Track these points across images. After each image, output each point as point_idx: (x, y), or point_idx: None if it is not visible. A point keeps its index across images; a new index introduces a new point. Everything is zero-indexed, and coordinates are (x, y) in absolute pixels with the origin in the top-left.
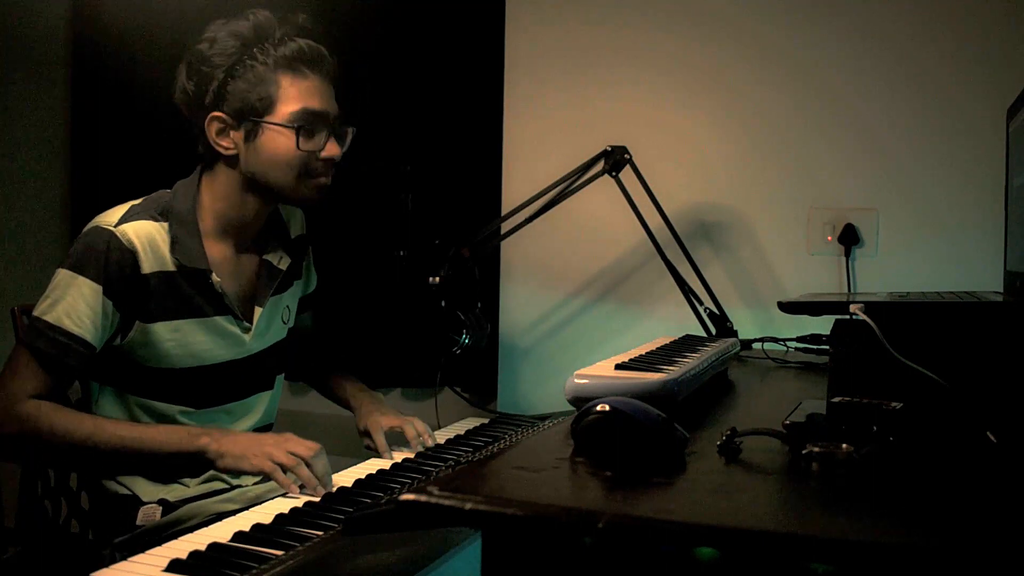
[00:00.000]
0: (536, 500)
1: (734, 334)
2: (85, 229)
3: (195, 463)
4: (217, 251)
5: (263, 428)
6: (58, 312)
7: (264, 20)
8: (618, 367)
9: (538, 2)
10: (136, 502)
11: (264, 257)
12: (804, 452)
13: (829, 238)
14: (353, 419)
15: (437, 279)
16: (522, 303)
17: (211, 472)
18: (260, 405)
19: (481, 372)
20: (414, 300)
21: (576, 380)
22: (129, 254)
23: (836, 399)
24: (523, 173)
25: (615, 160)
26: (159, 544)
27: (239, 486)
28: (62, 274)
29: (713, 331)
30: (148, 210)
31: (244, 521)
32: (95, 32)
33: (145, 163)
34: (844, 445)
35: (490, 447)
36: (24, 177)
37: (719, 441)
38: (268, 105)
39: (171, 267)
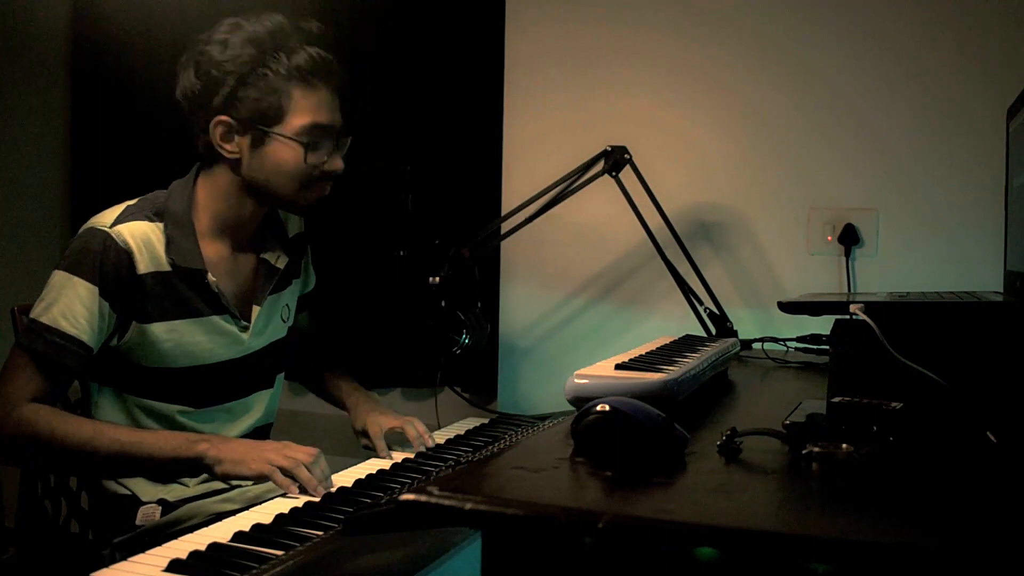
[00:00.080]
0: (536, 500)
1: (734, 334)
2: (80, 230)
3: (193, 469)
4: (213, 250)
5: (263, 427)
6: (54, 313)
7: (279, 27)
8: (618, 367)
9: (538, 2)
10: (136, 502)
11: (262, 256)
12: (804, 452)
13: (829, 238)
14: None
15: (437, 279)
16: (522, 303)
17: None
18: (260, 404)
19: (481, 372)
20: (414, 300)
21: (576, 380)
22: (124, 255)
23: (836, 399)
24: (523, 173)
25: (615, 160)
26: (159, 544)
27: (238, 486)
28: (58, 275)
29: (713, 331)
30: (143, 210)
31: (244, 521)
32: (95, 32)
33: (145, 163)
34: (844, 445)
35: (490, 447)
36: (24, 177)
37: (719, 441)
38: (278, 115)
39: (167, 267)
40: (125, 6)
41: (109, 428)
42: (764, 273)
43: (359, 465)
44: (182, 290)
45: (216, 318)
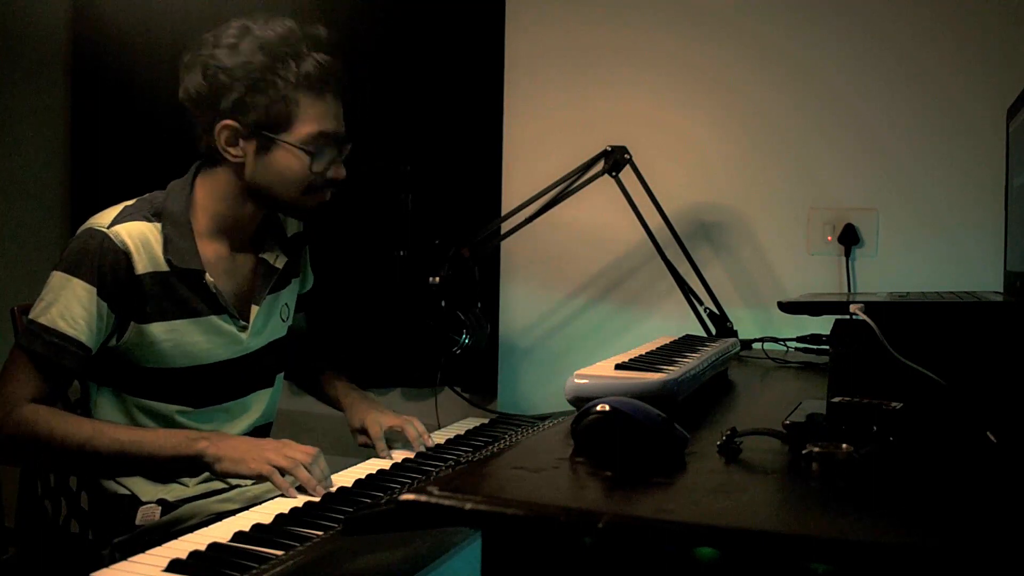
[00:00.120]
0: (536, 500)
1: (734, 334)
2: (78, 231)
3: (193, 467)
4: (211, 250)
5: (263, 427)
6: (53, 314)
7: (290, 33)
8: (618, 367)
9: (538, 2)
10: (135, 502)
11: (260, 256)
12: (804, 452)
13: (829, 238)
14: None
15: (437, 279)
16: (522, 303)
17: None
18: (259, 404)
19: (481, 372)
20: (414, 300)
21: (576, 380)
22: (123, 255)
23: (836, 399)
24: (523, 173)
25: (615, 160)
26: (159, 544)
27: (238, 486)
28: (56, 276)
29: (713, 331)
30: (141, 211)
31: (244, 521)
32: (95, 32)
33: (145, 163)
34: (844, 445)
35: (490, 447)
36: (24, 177)
37: (719, 441)
38: (285, 123)
39: (165, 267)
40: (125, 6)
41: (108, 427)
42: (764, 273)
43: (359, 465)
44: (180, 290)
45: (215, 318)
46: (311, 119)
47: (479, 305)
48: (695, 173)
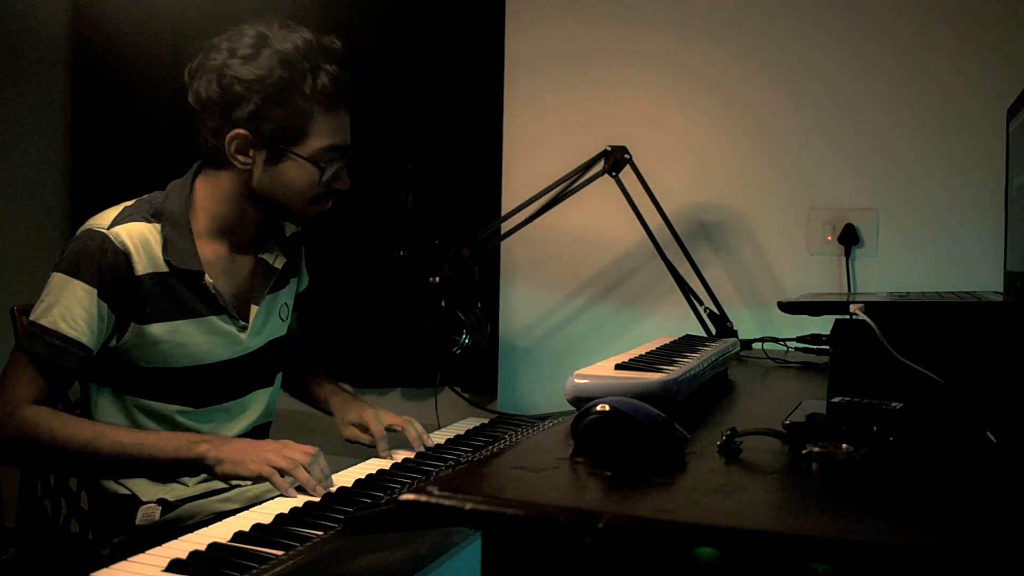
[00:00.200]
0: (536, 500)
1: (734, 334)
2: (78, 232)
3: (194, 470)
4: (211, 251)
5: (263, 426)
6: (53, 316)
7: (308, 47)
8: (618, 367)
9: (538, 2)
10: (135, 502)
11: (260, 256)
12: (804, 452)
13: (829, 238)
14: None
15: (437, 279)
16: (522, 303)
17: None
18: (258, 403)
19: (481, 372)
20: (414, 300)
21: (576, 380)
22: (122, 256)
23: (836, 399)
24: (523, 173)
25: (615, 160)
26: (159, 544)
27: (238, 485)
28: (56, 278)
29: (713, 331)
30: (141, 211)
31: (244, 521)
32: (95, 32)
33: (145, 163)
34: (844, 445)
35: (490, 447)
36: (24, 177)
37: (719, 441)
38: (298, 136)
39: (164, 268)
40: (125, 6)
41: (110, 430)
42: (764, 273)
43: (359, 465)
44: (180, 291)
45: (214, 318)
46: (323, 133)
47: (479, 305)
48: (695, 173)
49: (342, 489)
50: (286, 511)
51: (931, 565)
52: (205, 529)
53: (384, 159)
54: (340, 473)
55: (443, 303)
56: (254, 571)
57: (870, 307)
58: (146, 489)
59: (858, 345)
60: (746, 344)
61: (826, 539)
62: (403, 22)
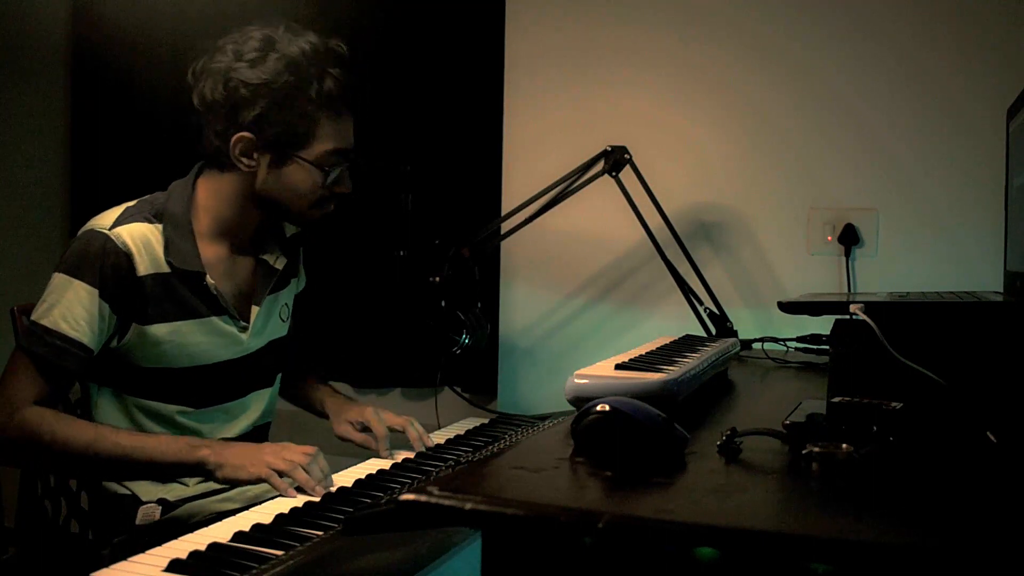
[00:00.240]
0: (536, 500)
1: (734, 334)
2: (80, 232)
3: (194, 473)
4: (212, 252)
5: (263, 426)
6: (55, 316)
7: (314, 51)
8: (618, 367)
9: (538, 2)
10: (135, 501)
11: (260, 256)
12: (804, 452)
13: (829, 238)
14: None
15: (437, 279)
16: (522, 303)
17: None
18: (259, 403)
19: (481, 372)
20: (414, 300)
21: (576, 380)
22: (124, 257)
23: (836, 399)
24: (523, 173)
25: (615, 160)
26: (159, 544)
27: (238, 486)
28: (58, 278)
29: (713, 331)
30: (142, 212)
31: (244, 521)
32: (95, 32)
33: (145, 163)
34: (844, 445)
35: (490, 447)
36: (24, 177)
37: (719, 441)
38: (304, 141)
39: (166, 269)
40: (125, 6)
41: (111, 432)
42: (764, 273)
43: (359, 465)
44: (181, 291)
45: (215, 319)
46: (328, 137)
47: (479, 305)
48: (695, 173)
49: (342, 489)
50: (286, 511)
51: (931, 565)
52: (205, 529)
53: (384, 159)
54: (340, 473)
55: (443, 303)
56: (254, 571)
57: (870, 307)
58: (146, 489)
59: (858, 345)
60: (746, 344)
61: (826, 539)
62: (403, 22)
